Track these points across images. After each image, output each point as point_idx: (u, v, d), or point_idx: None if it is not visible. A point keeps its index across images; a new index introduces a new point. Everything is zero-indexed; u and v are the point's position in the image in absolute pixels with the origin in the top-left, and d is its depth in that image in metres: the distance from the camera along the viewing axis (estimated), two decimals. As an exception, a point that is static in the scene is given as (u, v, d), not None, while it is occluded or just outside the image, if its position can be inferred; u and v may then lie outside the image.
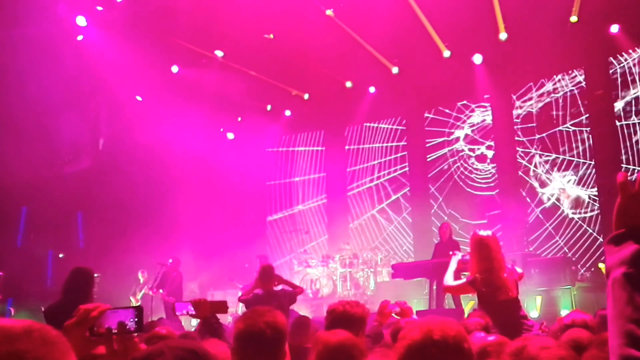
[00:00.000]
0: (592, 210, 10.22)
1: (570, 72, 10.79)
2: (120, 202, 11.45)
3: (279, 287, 5.50)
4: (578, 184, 10.42)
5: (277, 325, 2.10)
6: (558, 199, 10.64)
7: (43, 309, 4.44)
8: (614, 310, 0.93)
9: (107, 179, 11.75)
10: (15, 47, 10.31)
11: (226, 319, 6.30)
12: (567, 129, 10.70)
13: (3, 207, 10.91)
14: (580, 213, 10.35)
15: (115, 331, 1.41)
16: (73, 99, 11.88)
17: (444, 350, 1.47)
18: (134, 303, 10.20)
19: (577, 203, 10.46)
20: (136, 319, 1.46)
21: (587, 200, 10.30)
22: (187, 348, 1.29)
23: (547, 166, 10.82)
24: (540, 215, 10.69)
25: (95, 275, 11.06)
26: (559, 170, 10.69)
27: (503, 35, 10.17)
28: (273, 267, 5.52)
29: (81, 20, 10.12)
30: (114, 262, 10.75)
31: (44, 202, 11.69)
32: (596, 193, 10.21)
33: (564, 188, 10.58)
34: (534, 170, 10.96)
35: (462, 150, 11.83)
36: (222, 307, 3.07)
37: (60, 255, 11.19)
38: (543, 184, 10.85)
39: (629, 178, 1.02)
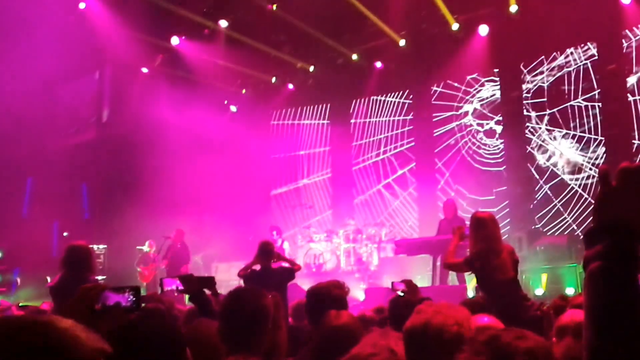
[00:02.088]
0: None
1: (583, 45, 10.47)
2: (125, 174, 11.45)
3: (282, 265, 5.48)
4: (594, 165, 10.22)
5: (258, 305, 2.15)
6: (555, 164, 10.51)
7: (48, 285, 4.46)
8: (589, 302, 0.96)
9: (111, 150, 11.73)
10: (19, 17, 10.17)
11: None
12: (578, 104, 10.44)
13: (8, 179, 10.95)
14: (578, 179, 10.21)
15: (114, 310, 1.50)
16: (77, 70, 11.78)
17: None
18: (139, 271, 10.31)
19: (574, 168, 10.29)
20: (134, 298, 1.54)
21: (584, 165, 10.16)
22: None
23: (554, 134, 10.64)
24: (548, 192, 10.53)
25: (101, 246, 11.22)
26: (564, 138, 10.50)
27: (513, 8, 9.86)
28: (272, 244, 5.49)
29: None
30: (119, 233, 10.82)
31: (49, 174, 11.75)
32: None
33: (562, 152, 10.45)
34: (538, 137, 10.76)
35: (471, 125, 11.62)
36: (210, 282, 3.08)
37: (65, 234, 11.26)
38: (544, 150, 10.71)
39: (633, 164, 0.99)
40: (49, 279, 4.62)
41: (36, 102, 11.74)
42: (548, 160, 10.65)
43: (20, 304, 6.54)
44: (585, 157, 10.23)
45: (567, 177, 10.38)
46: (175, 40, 11.20)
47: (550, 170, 10.61)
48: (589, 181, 10.09)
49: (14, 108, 10.78)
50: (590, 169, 10.13)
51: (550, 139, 10.65)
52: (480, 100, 11.54)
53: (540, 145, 10.79)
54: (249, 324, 2.13)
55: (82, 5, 10.32)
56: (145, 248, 10.40)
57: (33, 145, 11.69)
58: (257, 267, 5.19)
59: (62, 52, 11.04)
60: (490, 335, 1.25)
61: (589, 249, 0.99)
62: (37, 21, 10.31)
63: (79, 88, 12.40)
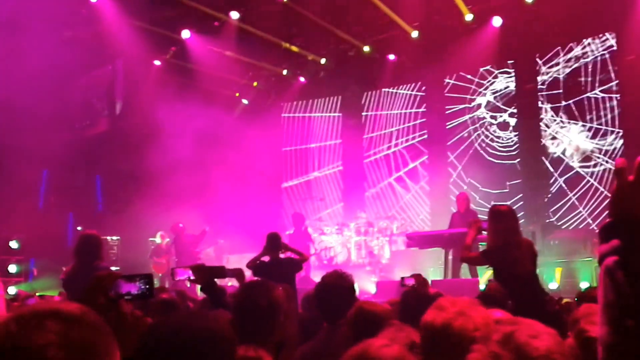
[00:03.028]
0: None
1: (601, 35, 10.26)
2: (137, 166, 11.51)
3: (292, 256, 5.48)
4: (605, 154, 10.05)
5: (271, 297, 2.16)
6: (564, 152, 10.37)
7: (62, 275, 4.51)
8: (605, 298, 0.95)
9: (124, 143, 11.80)
10: (31, 10, 10.23)
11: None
12: (595, 96, 10.25)
13: (24, 170, 11.05)
14: (589, 168, 10.06)
15: (128, 297, 1.50)
16: (90, 63, 11.86)
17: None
18: (153, 263, 10.37)
19: (583, 156, 10.15)
20: (147, 286, 1.55)
21: (594, 152, 10.04)
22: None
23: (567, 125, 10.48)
24: (563, 185, 10.37)
25: (114, 238, 11.30)
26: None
27: (529, -3, 9.70)
28: (280, 235, 5.49)
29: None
30: (132, 225, 10.89)
31: (63, 166, 11.88)
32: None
33: (572, 140, 10.31)
34: (552, 130, 10.61)
35: (484, 118, 11.48)
36: (221, 272, 3.07)
37: (79, 228, 11.37)
38: (556, 139, 10.57)
39: None
40: (64, 269, 4.67)
41: (51, 95, 11.84)
42: (557, 147, 10.51)
43: (37, 294, 6.63)
44: (596, 144, 10.08)
45: (576, 165, 10.24)
46: (186, 34, 11.20)
47: (565, 163, 10.45)
48: (600, 169, 9.93)
49: (29, 102, 10.89)
50: (599, 157, 9.98)
51: (563, 129, 10.50)
52: (493, 93, 11.39)
53: (554, 136, 10.64)
54: (262, 317, 2.15)
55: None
56: (157, 239, 10.46)
57: (48, 138, 11.81)
58: (266, 258, 5.20)
59: (75, 45, 11.11)
60: (504, 334, 1.20)
61: (604, 243, 0.98)
62: (49, 15, 10.37)
63: (92, 81, 12.48)
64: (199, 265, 3.08)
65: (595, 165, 10.04)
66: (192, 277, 2.98)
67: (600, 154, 10.06)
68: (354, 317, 2.50)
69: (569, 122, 10.47)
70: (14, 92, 10.45)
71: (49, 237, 10.76)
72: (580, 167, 10.22)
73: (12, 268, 10.13)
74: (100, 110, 12.40)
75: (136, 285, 1.54)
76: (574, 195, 10.19)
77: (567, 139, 10.41)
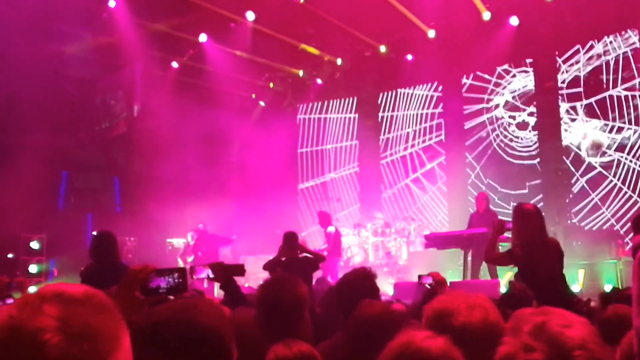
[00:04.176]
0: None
1: (623, 32, 10.04)
2: (156, 168, 11.60)
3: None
4: (628, 153, 9.82)
5: (297, 292, 2.15)
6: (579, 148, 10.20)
7: (80, 274, 4.54)
8: (639, 289, 0.80)
9: (142, 144, 11.90)
10: (54, 14, 10.40)
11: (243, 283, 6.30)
12: (617, 94, 10.03)
13: (45, 172, 11.22)
14: (599, 157, 9.88)
15: (164, 290, 1.49)
16: (109, 66, 12.01)
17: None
18: (181, 265, 10.41)
19: (596, 147, 9.94)
20: (180, 280, 1.55)
21: (607, 143, 9.85)
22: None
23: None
24: (585, 185, 10.16)
25: (132, 239, 11.37)
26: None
27: (549, -6, 9.54)
28: (297, 235, 5.46)
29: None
30: (150, 225, 10.96)
31: (83, 167, 12.04)
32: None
33: (586, 133, 10.11)
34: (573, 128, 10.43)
35: (502, 118, 11.31)
36: (240, 270, 3.05)
37: (94, 233, 11.51)
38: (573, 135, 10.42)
39: None
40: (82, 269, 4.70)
41: (71, 98, 12.03)
42: (578, 145, 10.33)
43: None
44: (619, 142, 9.88)
45: (597, 164, 10.04)
46: (203, 37, 11.28)
47: (587, 163, 10.24)
48: (622, 170, 9.70)
49: (49, 105, 11.07)
50: (622, 157, 9.77)
51: (584, 127, 10.31)
52: (511, 92, 11.23)
53: (574, 134, 10.47)
54: (288, 312, 2.13)
55: (112, 4, 10.46)
56: (190, 240, 10.44)
57: (68, 140, 12.00)
58: (283, 257, 5.17)
59: (95, 48, 11.26)
60: (535, 324, 1.14)
61: (638, 234, 0.88)
62: (68, 18, 10.52)
63: (111, 84, 12.63)
64: (218, 263, 3.07)
65: (617, 166, 9.83)
66: (211, 275, 2.96)
67: (624, 152, 9.84)
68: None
69: (590, 120, 10.27)
70: (35, 94, 10.62)
71: (69, 237, 10.89)
72: (602, 165, 10.01)
73: (33, 268, 10.27)
74: (119, 112, 12.53)
75: (166, 280, 1.53)
76: (596, 195, 9.97)
77: (586, 136, 10.23)
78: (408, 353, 1.28)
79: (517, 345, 1.12)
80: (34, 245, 10.44)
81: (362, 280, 2.83)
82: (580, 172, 10.26)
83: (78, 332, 0.78)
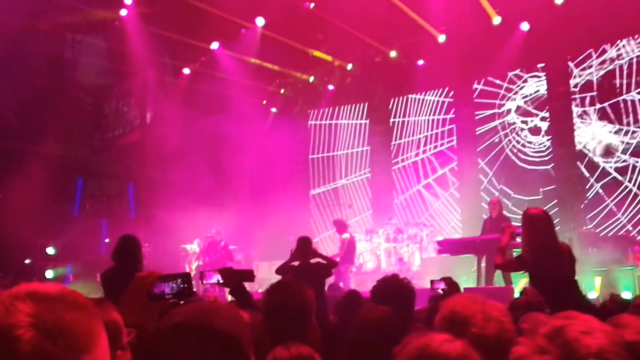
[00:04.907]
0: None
1: (636, 36, 9.94)
2: (168, 174, 11.69)
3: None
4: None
5: (302, 297, 2.14)
6: (588, 148, 10.11)
7: (99, 275, 4.59)
8: None
9: (155, 151, 12.00)
10: (68, 23, 10.57)
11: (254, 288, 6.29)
12: (631, 98, 9.91)
13: (61, 179, 11.36)
14: (611, 162, 9.75)
15: (169, 296, 1.49)
16: (122, 73, 12.15)
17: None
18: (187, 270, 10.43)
19: (607, 151, 9.80)
20: (185, 285, 1.54)
21: (618, 146, 9.74)
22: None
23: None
24: (600, 191, 10.03)
25: (146, 244, 11.46)
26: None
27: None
28: (311, 240, 5.43)
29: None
30: (163, 232, 11.02)
31: (98, 174, 12.16)
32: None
33: (598, 137, 10.00)
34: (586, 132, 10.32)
35: (514, 123, 11.23)
36: (249, 275, 3.04)
37: (107, 241, 11.60)
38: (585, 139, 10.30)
39: None
40: (98, 276, 4.75)
41: (85, 106, 12.18)
42: (592, 150, 10.22)
43: None
44: (624, 142, 9.76)
45: (612, 169, 9.92)
46: (215, 45, 11.37)
47: (601, 168, 10.11)
48: (638, 175, 9.57)
49: (65, 113, 11.22)
50: (638, 161, 9.66)
51: (597, 131, 10.20)
52: (523, 97, 11.14)
53: (588, 138, 10.36)
54: (293, 318, 2.11)
55: (123, 12, 10.59)
56: (195, 247, 10.51)
57: (83, 148, 12.14)
58: (296, 262, 5.15)
59: (108, 56, 11.40)
60: (553, 327, 1.11)
61: None
62: (82, 27, 10.68)
63: (124, 91, 12.77)
64: (227, 268, 3.07)
65: (633, 171, 9.70)
66: (220, 280, 2.96)
67: (639, 157, 9.70)
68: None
69: (604, 126, 10.16)
70: (49, 102, 10.77)
71: (84, 243, 11.00)
72: (617, 170, 9.88)
73: (49, 273, 10.38)
74: (132, 119, 12.66)
75: (170, 285, 1.54)
76: (611, 201, 9.83)
77: (597, 139, 10.13)
78: (426, 356, 1.26)
79: (531, 347, 1.09)
80: (50, 251, 10.55)
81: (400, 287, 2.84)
82: (595, 177, 10.14)
83: (51, 328, 0.78)
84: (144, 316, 1.45)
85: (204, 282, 2.97)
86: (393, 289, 2.81)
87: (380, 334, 2.14)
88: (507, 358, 1.17)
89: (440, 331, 1.62)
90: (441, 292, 3.76)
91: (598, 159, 10.08)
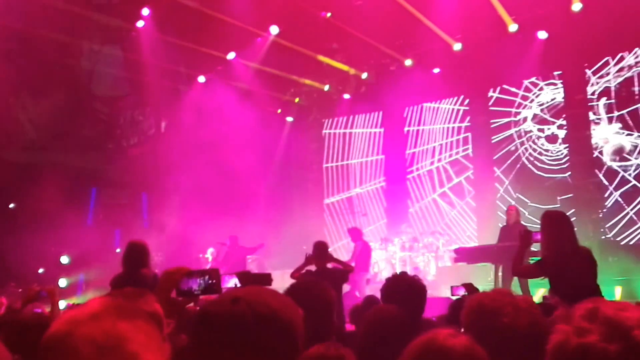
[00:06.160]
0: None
1: (655, 43, 9.83)
2: (183, 184, 11.73)
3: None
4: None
5: (325, 297, 2.13)
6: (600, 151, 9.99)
7: (110, 281, 4.60)
8: None
9: (169, 160, 12.08)
10: (84, 33, 10.73)
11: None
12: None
13: (75, 188, 11.46)
14: (621, 161, 9.61)
15: (197, 291, 1.53)
16: (137, 83, 12.28)
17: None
18: None
19: (618, 151, 9.65)
20: (213, 281, 1.58)
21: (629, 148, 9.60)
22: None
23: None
24: (619, 199, 9.86)
25: (159, 253, 11.49)
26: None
27: (577, 6, 9.39)
28: (327, 245, 5.40)
29: (145, 10, 10.31)
30: (177, 241, 11.05)
31: (111, 183, 12.24)
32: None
33: (607, 138, 9.82)
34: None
35: (531, 131, 11.12)
36: (267, 279, 3.02)
37: (118, 250, 11.66)
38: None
39: None
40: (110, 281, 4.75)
41: (101, 116, 12.31)
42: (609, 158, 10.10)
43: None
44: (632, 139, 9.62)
45: (613, 164, 9.79)
46: (231, 55, 11.45)
47: (620, 175, 9.94)
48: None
49: (78, 123, 11.35)
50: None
51: (616, 139, 10.06)
52: (540, 105, 11.04)
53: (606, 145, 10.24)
54: (315, 317, 2.05)
55: (140, 24, 10.70)
56: (208, 256, 10.53)
57: (97, 157, 12.24)
58: (312, 267, 5.12)
59: (123, 65, 11.53)
60: (587, 309, 1.09)
61: None
62: (98, 37, 10.83)
63: (138, 100, 12.90)
64: (245, 272, 3.06)
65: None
66: (238, 284, 2.94)
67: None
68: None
69: (623, 133, 10.01)
70: (64, 111, 10.91)
71: (97, 252, 11.05)
72: (636, 177, 9.71)
73: (63, 282, 10.44)
74: (146, 128, 12.76)
75: (197, 282, 1.55)
76: (631, 209, 9.65)
77: (608, 140, 10.02)
78: (431, 351, 1.26)
79: (571, 331, 1.06)
80: (64, 259, 10.63)
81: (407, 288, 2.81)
82: (613, 185, 9.97)
83: None
84: (174, 311, 1.49)
85: (222, 286, 2.96)
86: (402, 285, 2.78)
87: (390, 336, 2.12)
88: (538, 349, 1.13)
89: (467, 326, 1.58)
90: (462, 296, 3.70)
91: (610, 161, 9.94)
